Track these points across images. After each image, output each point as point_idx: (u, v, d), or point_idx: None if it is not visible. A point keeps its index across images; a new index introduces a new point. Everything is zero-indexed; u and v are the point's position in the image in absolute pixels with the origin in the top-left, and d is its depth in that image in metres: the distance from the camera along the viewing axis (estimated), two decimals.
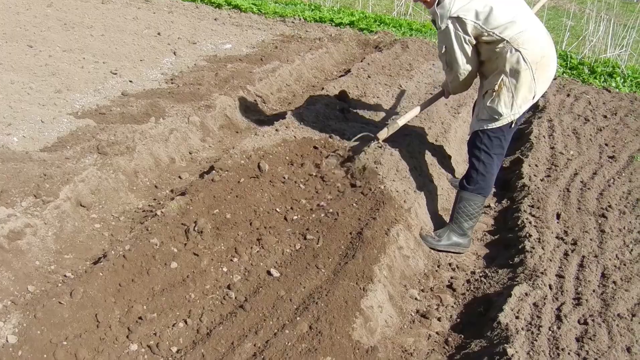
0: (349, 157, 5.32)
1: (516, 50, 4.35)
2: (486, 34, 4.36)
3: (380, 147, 5.23)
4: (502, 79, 4.44)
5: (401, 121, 5.18)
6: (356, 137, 5.33)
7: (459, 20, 4.38)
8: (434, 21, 4.62)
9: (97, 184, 4.93)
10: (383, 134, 5.09)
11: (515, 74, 4.40)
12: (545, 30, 4.60)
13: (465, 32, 4.39)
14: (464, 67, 4.60)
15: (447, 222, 5.04)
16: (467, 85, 4.85)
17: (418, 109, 5.29)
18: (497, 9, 4.33)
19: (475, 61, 4.59)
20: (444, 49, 4.60)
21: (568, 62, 10.44)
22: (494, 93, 4.48)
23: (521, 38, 4.37)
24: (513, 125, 4.60)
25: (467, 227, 4.86)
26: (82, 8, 11.75)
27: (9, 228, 4.09)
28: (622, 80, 9.80)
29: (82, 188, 4.79)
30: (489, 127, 4.61)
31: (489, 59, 4.52)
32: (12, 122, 5.96)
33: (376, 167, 5.10)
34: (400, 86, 7.70)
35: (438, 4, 4.49)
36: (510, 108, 4.48)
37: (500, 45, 4.36)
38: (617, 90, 9.30)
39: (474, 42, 4.45)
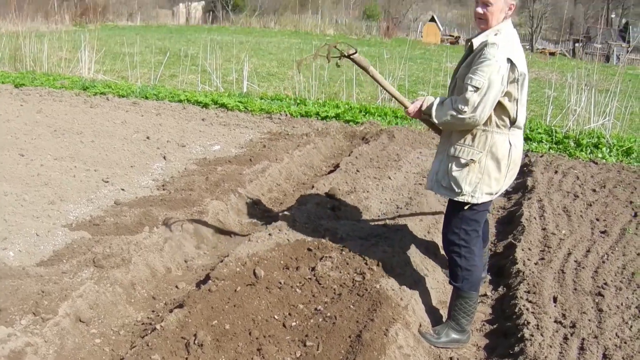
0: None
1: (510, 142, 4.38)
2: (507, 100, 4.29)
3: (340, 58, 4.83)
4: (481, 158, 4.40)
5: (370, 69, 4.85)
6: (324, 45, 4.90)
7: (511, 63, 4.21)
8: (470, 45, 4.43)
9: (95, 299, 4.94)
10: (352, 51, 4.77)
11: (495, 161, 4.39)
12: None
13: (507, 82, 4.23)
14: (482, 116, 4.23)
15: (446, 316, 5.06)
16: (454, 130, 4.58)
17: (385, 82, 4.98)
18: (524, 96, 4.36)
19: None
20: (485, 84, 4.14)
21: (553, 137, 10.65)
22: (466, 166, 4.44)
23: (518, 134, 4.45)
24: (474, 209, 4.57)
25: (465, 324, 4.85)
26: (71, 113, 11.95)
27: (9, 348, 4.07)
28: (608, 150, 10.01)
29: (81, 303, 4.79)
30: (447, 196, 4.62)
31: (482, 129, 4.39)
32: (7, 236, 5.99)
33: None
34: (389, 178, 7.82)
35: (496, 34, 4.26)
36: (473, 188, 4.44)
37: (502, 127, 4.36)
38: (604, 160, 9.49)
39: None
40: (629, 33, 58.88)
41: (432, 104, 4.53)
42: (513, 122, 4.37)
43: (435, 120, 4.50)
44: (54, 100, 13.49)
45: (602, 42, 53.41)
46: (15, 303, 4.68)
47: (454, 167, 4.50)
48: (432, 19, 60.08)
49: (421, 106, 4.65)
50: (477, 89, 4.15)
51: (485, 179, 4.42)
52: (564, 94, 12.99)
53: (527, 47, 57.04)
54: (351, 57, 4.75)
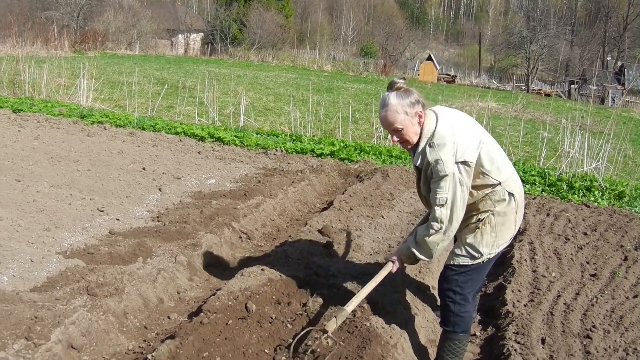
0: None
1: (509, 193, 4.39)
2: (482, 177, 4.32)
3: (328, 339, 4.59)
4: (489, 217, 4.42)
5: (350, 307, 4.65)
6: (300, 335, 4.65)
7: (465, 165, 4.21)
8: (418, 168, 4.44)
9: (88, 326, 4.96)
10: (332, 325, 4.46)
11: (503, 215, 4.42)
12: None
13: (469, 179, 4.24)
14: (458, 219, 4.28)
15: (434, 355, 5.09)
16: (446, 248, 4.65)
17: (368, 289, 4.78)
18: (494, 151, 4.38)
19: None
20: (446, 201, 4.21)
21: (546, 180, 10.73)
22: (477, 230, 4.45)
23: (513, 181, 4.47)
24: (486, 263, 4.59)
25: None
26: (68, 141, 11.99)
27: None
28: (600, 193, 10.10)
29: (73, 330, 4.81)
30: (462, 264, 4.55)
31: (481, 197, 4.43)
32: (2, 260, 6.03)
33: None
34: (382, 217, 7.88)
35: (431, 146, 4.22)
36: (491, 247, 4.45)
37: (494, 188, 4.37)
38: (596, 204, 9.56)
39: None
40: (624, 75, 59.43)
41: (411, 254, 4.59)
42: (499, 182, 4.40)
43: (428, 259, 4.58)
44: (52, 127, 13.56)
45: (598, 84, 53.80)
46: (8, 327, 4.70)
47: (468, 235, 4.53)
48: (429, 58, 60.47)
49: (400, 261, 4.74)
50: (442, 205, 4.23)
51: (499, 234, 4.46)
52: (558, 136, 13.11)
53: (523, 87, 57.38)
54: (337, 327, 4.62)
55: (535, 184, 10.78)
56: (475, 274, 4.63)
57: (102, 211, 7.95)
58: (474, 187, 4.35)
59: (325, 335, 4.40)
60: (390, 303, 5.39)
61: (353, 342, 4.77)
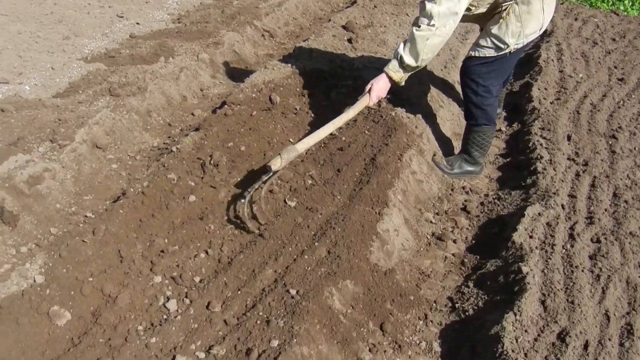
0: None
1: None
2: None
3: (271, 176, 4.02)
4: (512, 6, 4.18)
5: (300, 146, 4.04)
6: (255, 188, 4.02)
7: None
8: None
9: (112, 125, 4.96)
10: (276, 162, 3.88)
11: (527, 3, 4.16)
12: None
13: None
14: (450, 26, 3.95)
15: (459, 148, 5.05)
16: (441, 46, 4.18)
17: (329, 127, 4.20)
18: None
19: None
20: None
21: None
22: (502, 20, 4.23)
23: None
24: (512, 54, 4.40)
25: (477, 156, 4.85)
26: None
27: (28, 173, 4.12)
28: (631, 3, 9.70)
29: (97, 130, 4.82)
30: (487, 55, 4.38)
31: None
32: (22, 71, 5.98)
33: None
34: (407, 14, 7.65)
35: None
36: (517, 37, 4.24)
37: None
38: (626, 13, 9.22)
39: None
40: None
41: (397, 61, 4.15)
42: None
43: (415, 62, 4.07)
44: None
45: None
46: (32, 132, 4.70)
47: (493, 26, 4.29)
48: None
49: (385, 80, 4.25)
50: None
51: (525, 24, 4.23)
52: None
53: None
54: (283, 167, 3.99)
55: None
56: (498, 65, 4.46)
57: (122, 17, 7.82)
58: None
59: (270, 173, 3.92)
60: (415, 95, 5.29)
61: (378, 130, 4.73)
